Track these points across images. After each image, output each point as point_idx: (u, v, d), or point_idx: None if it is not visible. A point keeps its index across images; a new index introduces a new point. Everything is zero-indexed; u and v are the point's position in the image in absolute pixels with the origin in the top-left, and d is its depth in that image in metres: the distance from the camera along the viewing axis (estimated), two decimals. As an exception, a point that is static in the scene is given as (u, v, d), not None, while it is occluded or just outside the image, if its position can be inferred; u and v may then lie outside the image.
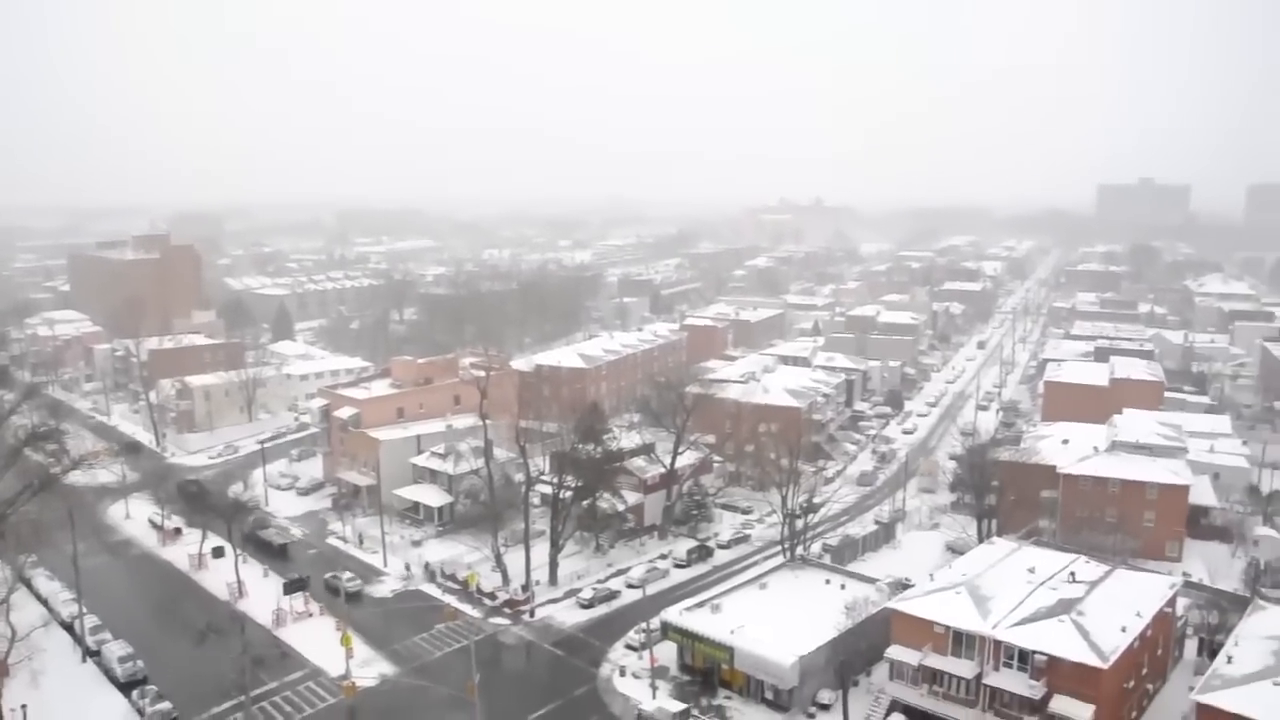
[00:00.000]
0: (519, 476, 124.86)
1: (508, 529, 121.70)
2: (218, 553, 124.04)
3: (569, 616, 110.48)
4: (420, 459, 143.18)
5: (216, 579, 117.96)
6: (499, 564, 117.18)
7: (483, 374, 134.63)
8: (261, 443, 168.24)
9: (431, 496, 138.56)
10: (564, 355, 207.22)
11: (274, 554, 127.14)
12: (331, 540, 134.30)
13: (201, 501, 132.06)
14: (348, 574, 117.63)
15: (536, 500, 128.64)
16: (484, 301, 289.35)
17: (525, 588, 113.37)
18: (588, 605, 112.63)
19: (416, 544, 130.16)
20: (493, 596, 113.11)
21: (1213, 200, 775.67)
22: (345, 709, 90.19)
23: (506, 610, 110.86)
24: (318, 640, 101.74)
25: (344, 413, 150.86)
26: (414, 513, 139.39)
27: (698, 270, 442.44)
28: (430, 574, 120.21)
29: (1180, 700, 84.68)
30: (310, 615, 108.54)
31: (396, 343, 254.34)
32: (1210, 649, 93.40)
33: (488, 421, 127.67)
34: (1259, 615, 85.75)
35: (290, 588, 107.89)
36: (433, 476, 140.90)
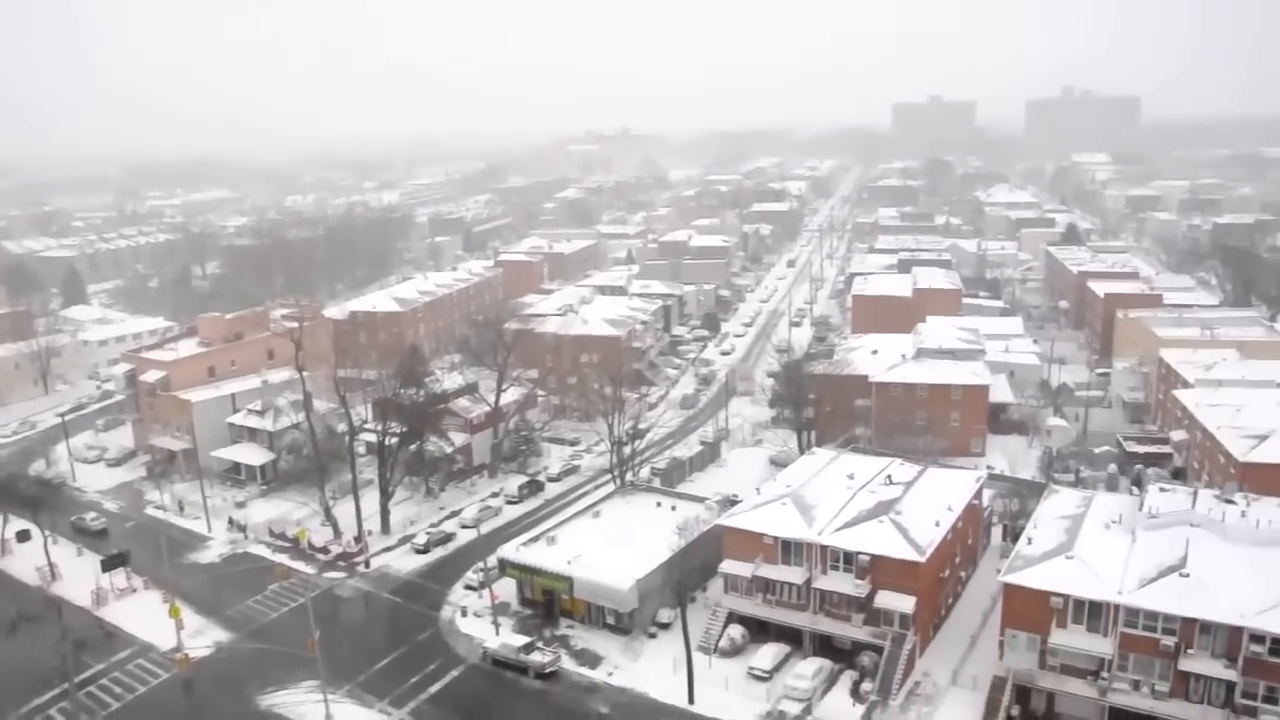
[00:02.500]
0: (342, 427, 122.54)
1: (335, 481, 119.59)
2: (22, 536, 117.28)
3: (405, 563, 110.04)
4: (237, 418, 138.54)
5: (24, 564, 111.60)
6: (329, 517, 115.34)
7: (295, 325, 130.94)
8: (62, 415, 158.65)
9: (252, 455, 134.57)
10: (378, 300, 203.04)
11: (91, 534, 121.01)
12: (150, 510, 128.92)
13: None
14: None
15: (362, 449, 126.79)
16: (290, 250, 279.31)
17: (358, 539, 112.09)
18: (423, 550, 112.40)
19: (241, 505, 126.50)
20: (325, 551, 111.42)
21: (996, 115, 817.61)
22: (180, 682, 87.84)
23: (341, 563, 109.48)
24: (144, 615, 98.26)
25: (151, 376, 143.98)
26: (235, 473, 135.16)
27: (508, 205, 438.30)
28: (247, 532, 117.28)
29: (990, 583, 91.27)
30: (134, 590, 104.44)
31: (201, 299, 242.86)
32: (1013, 533, 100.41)
33: (305, 373, 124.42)
34: (1053, 498, 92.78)
35: (109, 564, 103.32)
36: (252, 435, 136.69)
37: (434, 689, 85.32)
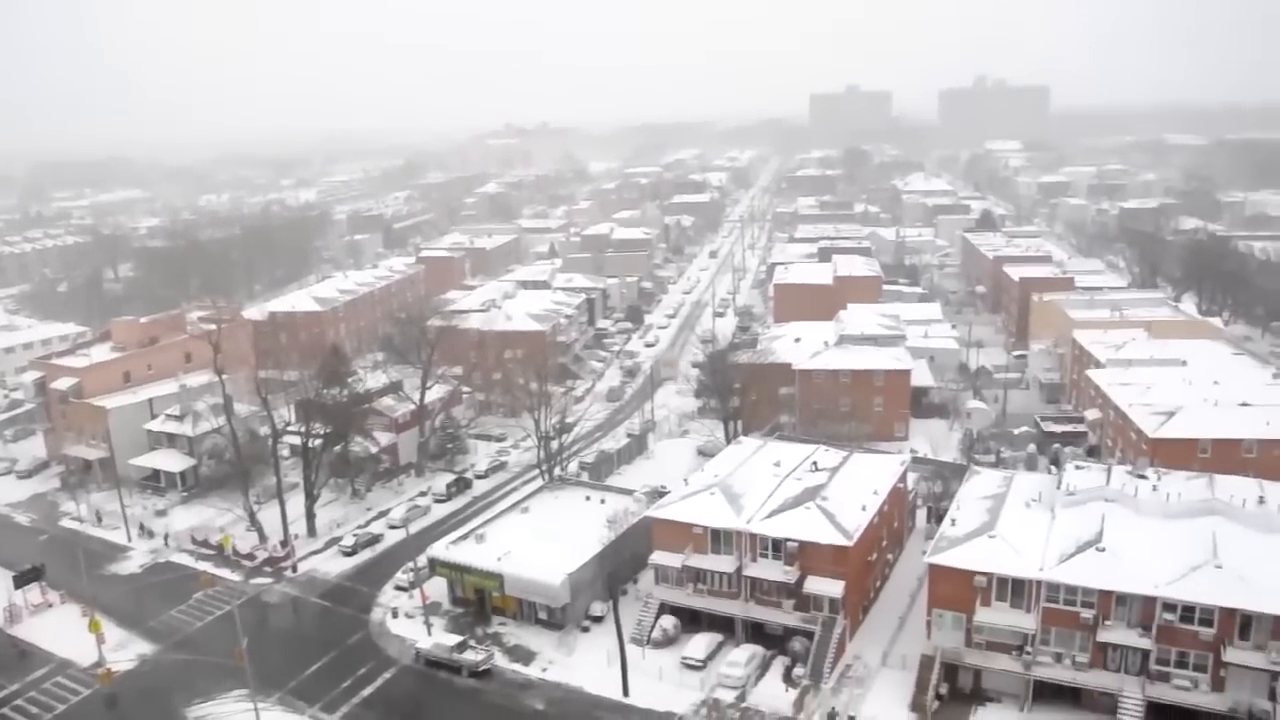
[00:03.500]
0: (264, 430, 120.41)
1: (258, 485, 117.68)
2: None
3: (333, 566, 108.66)
4: (155, 424, 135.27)
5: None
6: (253, 522, 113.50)
7: (213, 327, 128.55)
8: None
9: (172, 462, 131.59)
10: (298, 299, 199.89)
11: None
12: (66, 522, 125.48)
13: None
14: None
15: (286, 452, 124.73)
16: (206, 251, 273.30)
17: (284, 543, 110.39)
18: (351, 552, 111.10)
19: (161, 513, 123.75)
20: (251, 557, 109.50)
21: (911, 105, 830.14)
22: (103, 698, 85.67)
23: (267, 569, 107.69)
24: (62, 630, 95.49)
25: (62, 383, 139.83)
26: (154, 481, 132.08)
27: (428, 201, 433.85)
28: (169, 540, 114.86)
29: (916, 564, 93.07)
30: (50, 605, 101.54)
31: (114, 303, 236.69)
32: (937, 515, 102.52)
33: (224, 376, 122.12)
34: (975, 479, 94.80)
35: (22, 580, 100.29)
36: (171, 441, 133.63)
37: (366, 692, 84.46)
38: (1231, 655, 70.32)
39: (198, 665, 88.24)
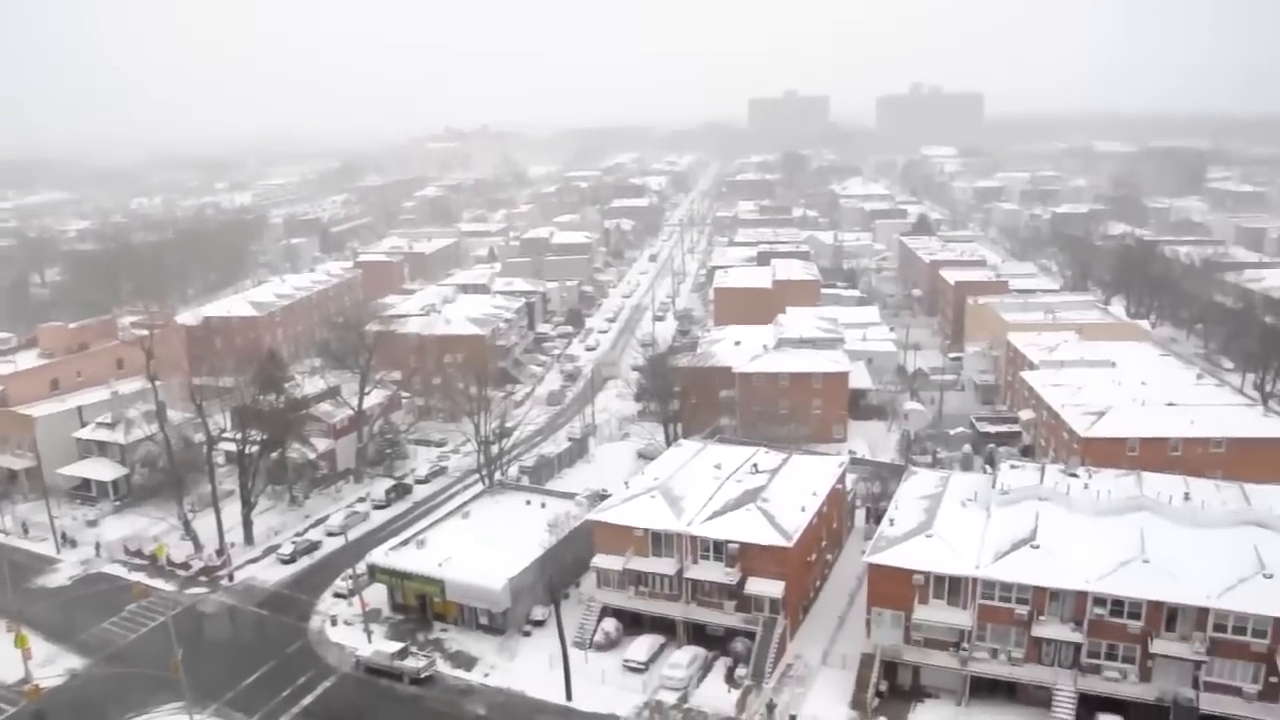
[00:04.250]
0: (199, 437, 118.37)
1: (193, 493, 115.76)
2: None
3: (271, 574, 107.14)
4: (85, 432, 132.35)
5: None
6: (188, 531, 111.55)
7: (146, 333, 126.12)
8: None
9: (102, 470, 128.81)
10: (233, 304, 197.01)
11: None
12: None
13: None
14: None
15: (221, 459, 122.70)
16: (138, 255, 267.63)
17: (220, 552, 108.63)
18: (289, 560, 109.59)
19: (92, 523, 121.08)
20: (186, 566, 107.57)
21: (849, 110, 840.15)
22: (30, 715, 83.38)
23: (203, 578, 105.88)
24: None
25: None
26: (85, 490, 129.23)
27: (366, 205, 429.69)
28: (99, 550, 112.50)
29: (856, 564, 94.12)
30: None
31: (41, 308, 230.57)
32: (876, 515, 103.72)
33: (157, 383, 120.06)
34: (913, 480, 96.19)
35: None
36: (101, 449, 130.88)
37: (306, 701, 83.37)
38: (1158, 646, 72.27)
39: (131, 679, 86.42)
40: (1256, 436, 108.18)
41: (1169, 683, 73.15)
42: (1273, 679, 70.64)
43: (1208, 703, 71.96)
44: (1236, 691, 71.86)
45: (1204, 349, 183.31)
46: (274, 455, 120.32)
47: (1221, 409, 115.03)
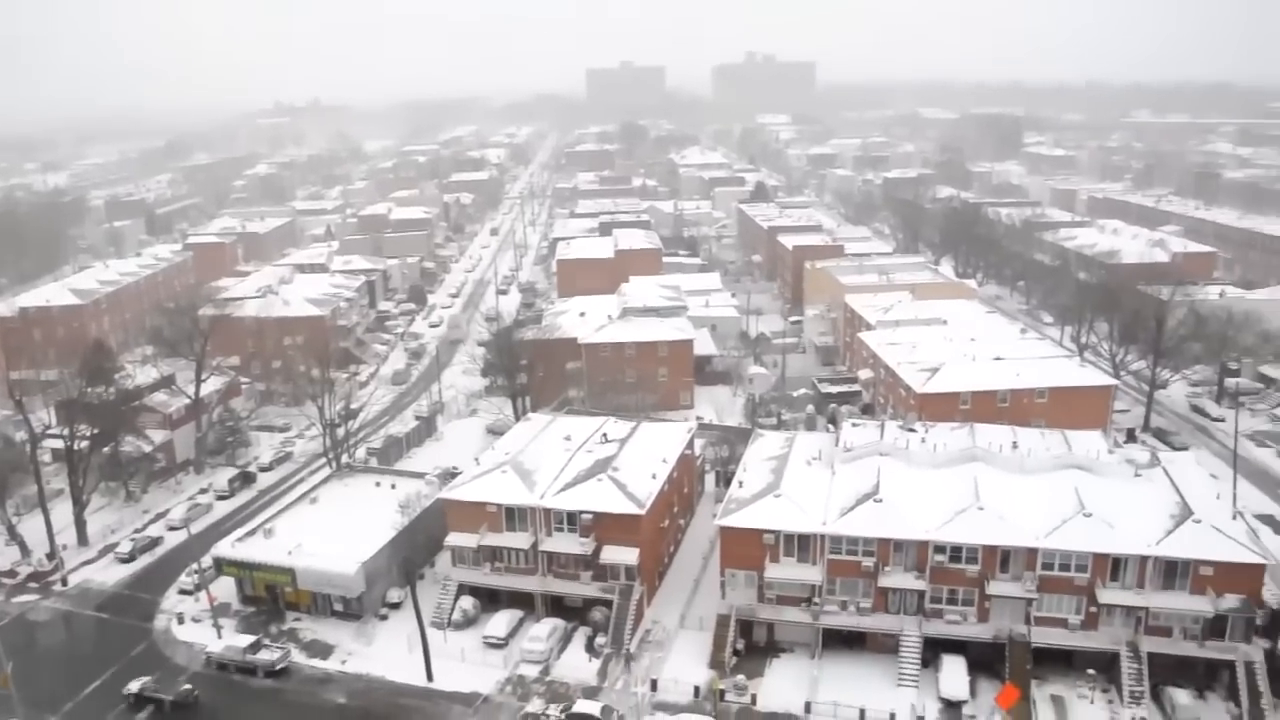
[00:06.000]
0: (21, 435, 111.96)
1: (17, 495, 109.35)
2: None
3: (109, 575, 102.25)
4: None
5: None
6: (13, 536, 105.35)
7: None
8: None
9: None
10: (53, 293, 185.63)
11: None
12: None
13: None
14: None
15: (48, 457, 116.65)
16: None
17: (51, 555, 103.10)
18: (128, 559, 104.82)
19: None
20: (12, 574, 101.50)
21: (685, 79, 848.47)
22: None
23: (32, 585, 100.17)
24: None
25: None
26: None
27: (194, 184, 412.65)
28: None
29: (708, 527, 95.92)
30: None
31: None
32: (725, 478, 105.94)
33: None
34: (759, 442, 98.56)
35: None
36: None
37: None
38: (994, 588, 76.66)
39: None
40: (1074, 385, 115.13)
41: (1004, 621, 77.75)
42: (1093, 609, 76.08)
43: (1038, 636, 76.94)
44: (1063, 624, 77.00)
45: (1026, 305, 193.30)
46: (106, 450, 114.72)
47: (1043, 361, 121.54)
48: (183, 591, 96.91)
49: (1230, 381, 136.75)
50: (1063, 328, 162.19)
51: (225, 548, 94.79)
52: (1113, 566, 75.10)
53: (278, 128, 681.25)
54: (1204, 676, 75.55)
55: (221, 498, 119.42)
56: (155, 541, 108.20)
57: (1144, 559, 74.33)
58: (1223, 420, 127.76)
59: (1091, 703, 74.14)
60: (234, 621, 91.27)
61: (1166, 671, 74.84)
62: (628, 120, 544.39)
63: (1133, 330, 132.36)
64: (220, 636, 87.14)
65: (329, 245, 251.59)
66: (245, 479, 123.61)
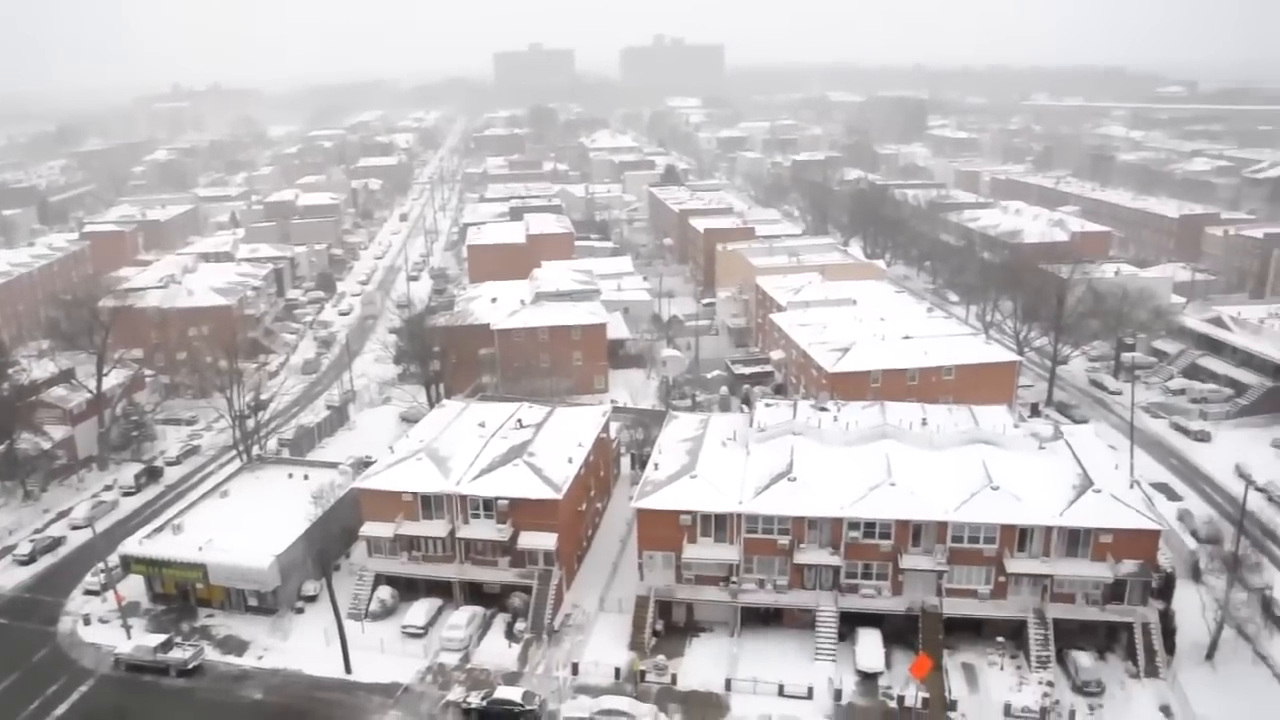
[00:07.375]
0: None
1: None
2: None
3: (8, 579, 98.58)
4: None
5: None
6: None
7: None
8: None
9: None
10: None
11: None
12: None
13: None
14: None
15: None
16: None
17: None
18: (28, 560, 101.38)
19: None
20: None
21: (594, 62, 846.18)
22: None
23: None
24: None
25: None
26: None
27: (89, 171, 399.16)
28: None
29: (625, 510, 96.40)
30: None
31: None
32: (641, 461, 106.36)
33: None
34: (674, 424, 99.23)
35: None
36: None
37: (60, 710, 77.69)
38: (906, 562, 78.45)
39: None
40: (980, 362, 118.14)
41: (917, 593, 79.61)
42: (1001, 579, 78.30)
43: (950, 607, 78.95)
44: (973, 594, 79.14)
45: (933, 284, 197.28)
46: (1, 448, 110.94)
47: (950, 339, 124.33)
48: (89, 592, 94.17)
49: (1126, 356, 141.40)
50: (968, 306, 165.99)
51: (133, 545, 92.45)
52: (1019, 537, 77.43)
53: (177, 112, 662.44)
54: (1105, 639, 78.48)
55: (128, 494, 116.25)
56: (57, 542, 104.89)
57: (1049, 529, 76.76)
58: (1119, 394, 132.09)
59: (1001, 669, 76.55)
60: (144, 621, 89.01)
61: (1070, 636, 77.57)
62: (537, 104, 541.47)
63: (1035, 308, 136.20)
64: (130, 637, 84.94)
65: (234, 233, 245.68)
66: (152, 474, 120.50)
